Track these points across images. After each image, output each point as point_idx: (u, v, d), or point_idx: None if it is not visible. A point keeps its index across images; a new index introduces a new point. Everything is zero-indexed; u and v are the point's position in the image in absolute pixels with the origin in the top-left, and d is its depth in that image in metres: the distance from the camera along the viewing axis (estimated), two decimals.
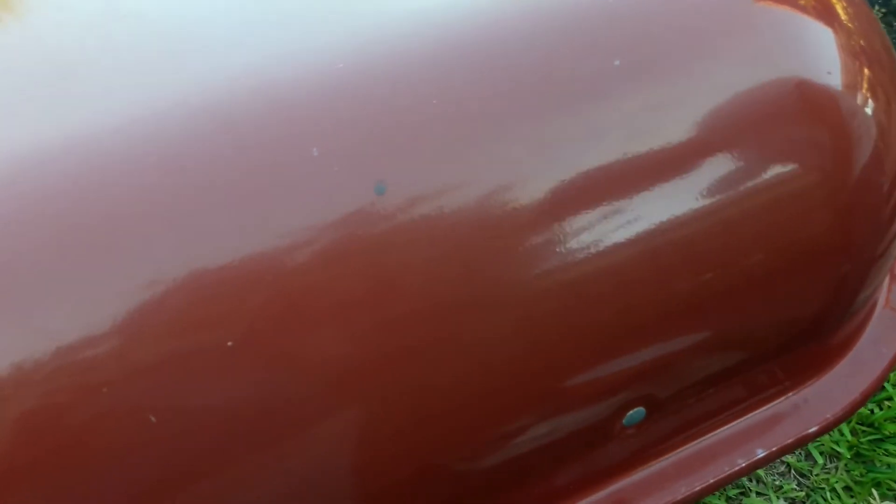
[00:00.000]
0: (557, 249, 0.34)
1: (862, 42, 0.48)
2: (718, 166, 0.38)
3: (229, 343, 0.31)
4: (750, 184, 0.40)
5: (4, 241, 0.29)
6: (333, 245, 0.32)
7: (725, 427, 0.44)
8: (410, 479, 0.35)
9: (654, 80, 0.39)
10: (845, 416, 0.44)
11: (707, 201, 0.38)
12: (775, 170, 0.40)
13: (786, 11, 0.45)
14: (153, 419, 0.29)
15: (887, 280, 0.50)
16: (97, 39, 0.36)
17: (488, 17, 0.36)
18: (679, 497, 0.41)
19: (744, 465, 0.42)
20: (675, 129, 0.38)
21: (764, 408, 0.44)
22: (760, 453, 0.43)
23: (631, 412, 0.39)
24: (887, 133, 0.46)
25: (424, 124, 0.34)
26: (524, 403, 0.36)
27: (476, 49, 0.36)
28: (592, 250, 0.35)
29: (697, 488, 0.42)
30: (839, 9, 0.48)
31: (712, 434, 0.43)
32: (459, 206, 0.33)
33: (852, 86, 0.45)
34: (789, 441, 0.43)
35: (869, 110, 0.45)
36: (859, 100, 0.45)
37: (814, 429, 0.44)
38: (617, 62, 0.38)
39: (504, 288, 0.34)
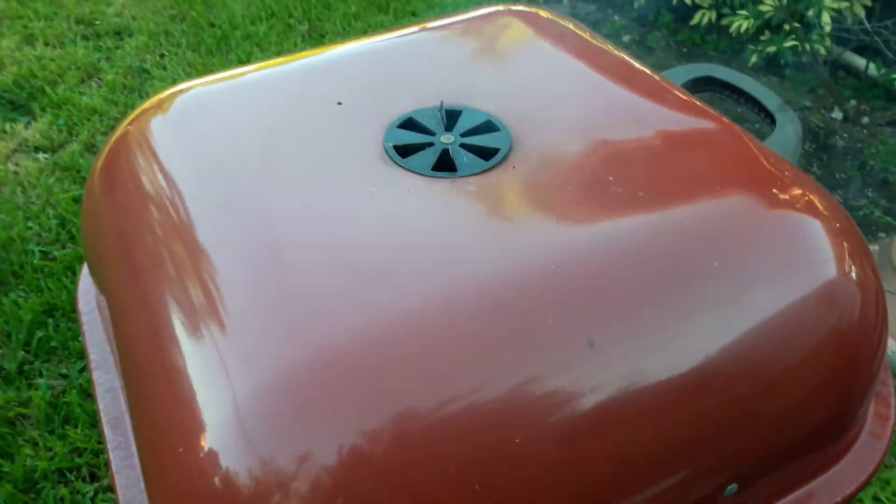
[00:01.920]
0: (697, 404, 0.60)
1: (838, 225, 0.75)
2: (770, 334, 0.64)
3: (517, 440, 0.54)
4: (790, 344, 0.66)
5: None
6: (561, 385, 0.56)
7: (783, 499, 0.68)
8: None
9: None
10: (859, 490, 0.69)
11: (765, 363, 0.64)
12: (806, 334, 0.66)
13: (796, 219, 0.73)
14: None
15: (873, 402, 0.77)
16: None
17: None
18: None
19: None
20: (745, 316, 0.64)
21: (806, 486, 0.69)
22: None
23: (729, 487, 0.62)
24: (868, 291, 0.73)
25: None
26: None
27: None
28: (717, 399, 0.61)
29: None
30: (820, 206, 0.76)
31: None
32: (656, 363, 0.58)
33: (842, 264, 0.72)
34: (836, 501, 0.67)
35: (854, 276, 0.72)
36: (851, 272, 0.72)
37: (838, 498, 0.68)
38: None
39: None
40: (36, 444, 1.62)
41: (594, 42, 0.94)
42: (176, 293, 0.67)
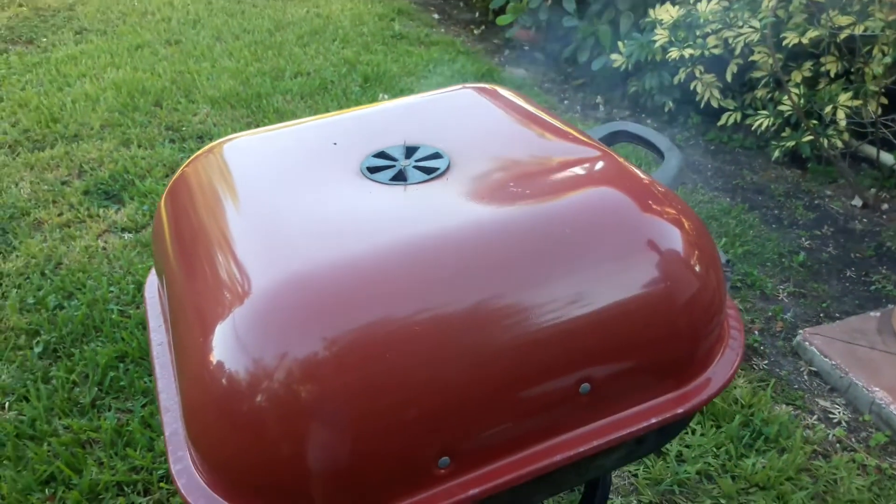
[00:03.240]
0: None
1: (695, 234, 1.04)
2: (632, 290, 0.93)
3: (417, 329, 0.83)
4: (634, 298, 0.94)
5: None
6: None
7: (638, 406, 0.93)
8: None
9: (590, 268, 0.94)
10: (705, 402, 0.94)
11: (614, 308, 0.92)
12: (647, 295, 0.94)
13: (654, 218, 1.02)
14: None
15: (725, 340, 1.02)
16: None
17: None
18: (619, 435, 0.90)
19: (654, 421, 0.91)
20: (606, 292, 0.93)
21: (661, 397, 0.94)
22: (654, 420, 0.92)
23: (583, 385, 0.89)
24: (707, 284, 1.00)
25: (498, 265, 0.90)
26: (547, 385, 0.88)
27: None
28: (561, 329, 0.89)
29: (624, 432, 0.91)
30: (685, 221, 1.05)
31: (631, 409, 0.93)
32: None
33: (689, 255, 1.00)
34: (677, 412, 0.92)
35: (698, 268, 1.00)
36: (695, 263, 1.00)
37: (681, 409, 0.93)
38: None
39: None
40: (101, 462, 1.95)
41: (530, 108, 1.29)
42: (207, 255, 1.01)
